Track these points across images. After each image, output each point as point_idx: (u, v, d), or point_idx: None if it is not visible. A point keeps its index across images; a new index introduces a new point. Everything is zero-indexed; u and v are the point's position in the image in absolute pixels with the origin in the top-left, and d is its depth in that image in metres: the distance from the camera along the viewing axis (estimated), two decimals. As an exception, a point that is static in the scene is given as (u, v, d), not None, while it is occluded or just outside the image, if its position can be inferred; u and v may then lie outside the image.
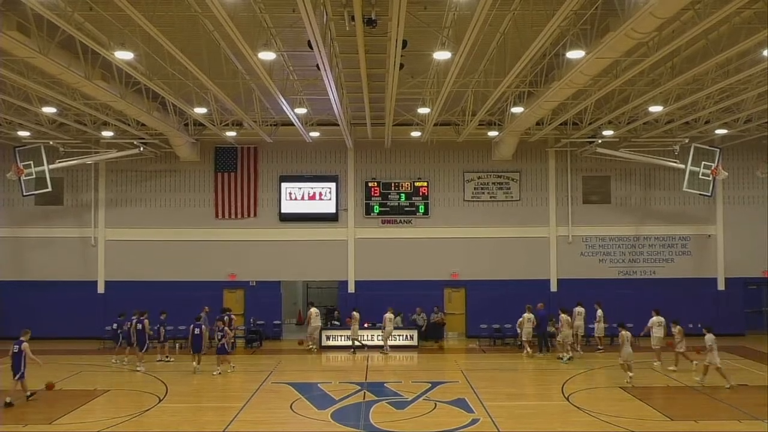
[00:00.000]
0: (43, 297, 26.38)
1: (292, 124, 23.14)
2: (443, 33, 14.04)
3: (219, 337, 20.03)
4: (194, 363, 20.13)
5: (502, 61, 16.22)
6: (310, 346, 24.42)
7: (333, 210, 27.39)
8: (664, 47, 14.28)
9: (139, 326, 20.97)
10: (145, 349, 20.88)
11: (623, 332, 18.74)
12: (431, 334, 25.65)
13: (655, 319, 21.13)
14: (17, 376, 16.24)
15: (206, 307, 23.32)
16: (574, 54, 14.71)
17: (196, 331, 20.55)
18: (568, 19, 13.49)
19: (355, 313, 24.01)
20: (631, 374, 18.22)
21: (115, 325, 22.36)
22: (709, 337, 17.55)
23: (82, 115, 22.48)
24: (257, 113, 22.86)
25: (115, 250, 27.27)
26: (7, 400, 15.77)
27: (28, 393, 16.40)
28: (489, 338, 25.55)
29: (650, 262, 27.65)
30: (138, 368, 20.32)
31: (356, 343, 24.05)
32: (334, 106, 19.53)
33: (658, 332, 20.90)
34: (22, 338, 16.65)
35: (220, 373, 19.54)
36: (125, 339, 21.49)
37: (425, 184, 27.43)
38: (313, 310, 24.51)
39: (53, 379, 17.65)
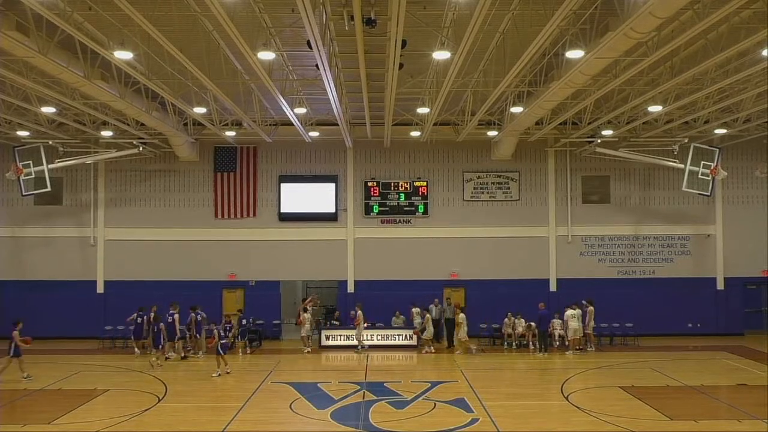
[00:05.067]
0: (42, 297, 26.36)
1: (292, 124, 23.12)
2: (442, 33, 14.03)
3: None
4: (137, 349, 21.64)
5: (501, 61, 16.21)
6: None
7: (332, 210, 27.39)
8: (664, 47, 14.28)
9: (170, 319, 21.98)
10: (175, 340, 22.22)
11: (520, 319, 23.94)
12: (441, 332, 25.54)
13: (570, 312, 23.42)
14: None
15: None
16: (574, 54, 14.71)
17: (138, 320, 21.95)
18: (568, 19, 13.49)
19: (359, 312, 24.04)
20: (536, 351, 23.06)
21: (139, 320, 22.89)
22: (461, 317, 23.03)
23: (81, 115, 22.47)
24: (257, 113, 22.85)
25: (114, 250, 27.25)
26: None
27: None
28: (489, 338, 25.53)
29: (650, 262, 27.65)
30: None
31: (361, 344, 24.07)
32: (334, 105, 19.52)
33: (573, 324, 23.33)
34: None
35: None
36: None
37: (424, 183, 27.42)
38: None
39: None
